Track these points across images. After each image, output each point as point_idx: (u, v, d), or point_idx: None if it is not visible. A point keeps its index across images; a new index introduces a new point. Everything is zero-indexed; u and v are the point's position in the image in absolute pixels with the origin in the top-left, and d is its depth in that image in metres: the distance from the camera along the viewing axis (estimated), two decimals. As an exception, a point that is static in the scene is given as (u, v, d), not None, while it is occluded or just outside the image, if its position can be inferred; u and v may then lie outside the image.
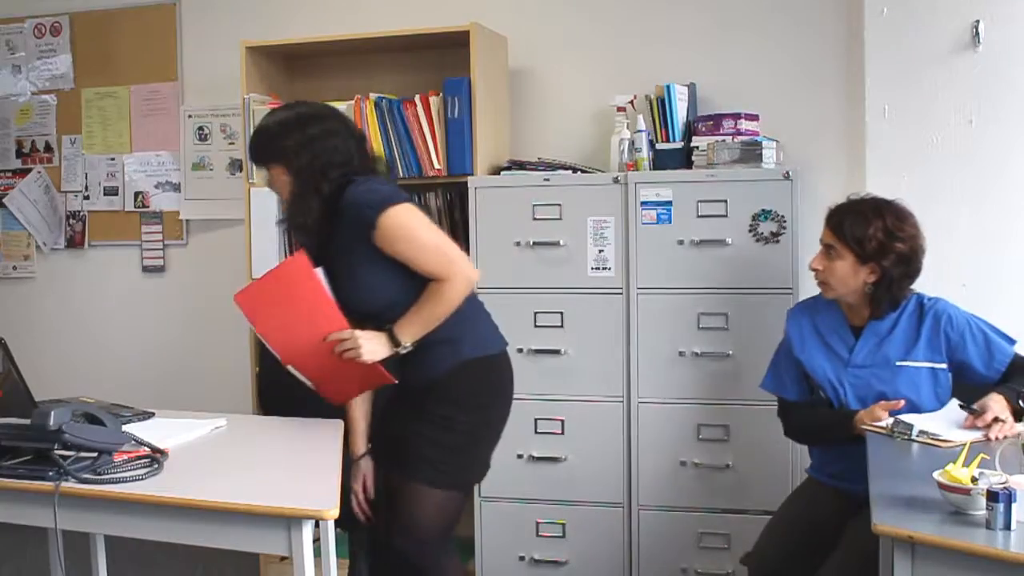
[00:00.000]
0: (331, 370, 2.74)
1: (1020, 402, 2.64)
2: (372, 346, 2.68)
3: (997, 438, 2.51)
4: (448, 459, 2.81)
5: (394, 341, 2.71)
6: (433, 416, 2.81)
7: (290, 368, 2.78)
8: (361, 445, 2.97)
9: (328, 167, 2.75)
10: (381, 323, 2.74)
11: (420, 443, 2.81)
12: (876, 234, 2.79)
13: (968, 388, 2.80)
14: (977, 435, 2.54)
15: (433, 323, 2.73)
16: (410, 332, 2.72)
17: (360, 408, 2.96)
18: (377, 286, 2.76)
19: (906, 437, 2.57)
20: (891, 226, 2.80)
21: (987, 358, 2.81)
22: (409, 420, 2.84)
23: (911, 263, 2.83)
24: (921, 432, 2.56)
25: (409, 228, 2.71)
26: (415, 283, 2.73)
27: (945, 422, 2.64)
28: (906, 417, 2.64)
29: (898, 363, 2.84)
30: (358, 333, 2.67)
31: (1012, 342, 2.85)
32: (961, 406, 2.67)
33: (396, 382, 2.78)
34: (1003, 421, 2.57)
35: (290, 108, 2.91)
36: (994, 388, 2.71)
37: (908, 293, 2.88)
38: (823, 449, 3.02)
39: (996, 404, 2.61)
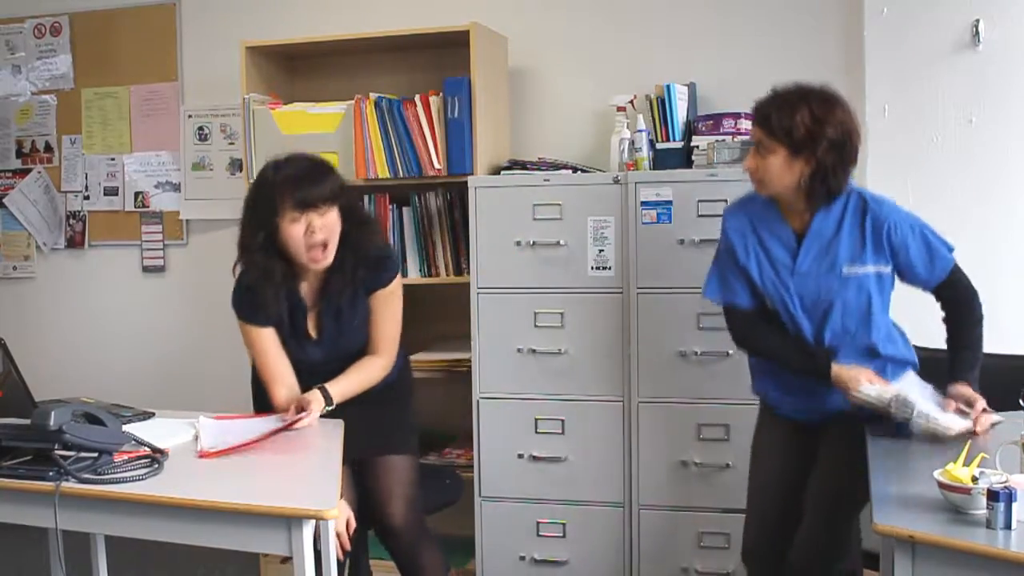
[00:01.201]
0: None
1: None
2: (316, 412, 2.89)
3: (983, 431, 2.53)
4: (413, 429, 3.25)
5: (327, 400, 2.94)
6: (396, 404, 3.18)
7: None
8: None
9: (367, 215, 3.08)
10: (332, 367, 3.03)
11: (393, 423, 3.13)
12: (803, 121, 2.65)
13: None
14: (968, 424, 2.54)
15: (360, 391, 3.02)
16: (341, 395, 2.98)
17: None
18: (364, 334, 3.08)
19: (907, 417, 2.55)
20: (818, 113, 2.66)
21: (929, 265, 2.75)
22: (378, 410, 3.08)
23: (844, 148, 2.68)
24: (920, 414, 2.54)
25: (400, 297, 3.10)
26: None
27: (936, 405, 2.61)
28: (907, 393, 2.60)
29: (845, 270, 2.74)
30: (310, 407, 2.87)
31: (951, 249, 2.78)
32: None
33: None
34: (988, 411, 2.57)
35: (300, 154, 3.04)
36: (961, 374, 2.70)
37: (845, 184, 2.74)
38: (782, 390, 2.93)
39: (979, 404, 2.60)
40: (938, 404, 2.61)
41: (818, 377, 2.75)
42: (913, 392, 2.62)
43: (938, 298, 2.82)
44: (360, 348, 3.09)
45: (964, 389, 2.65)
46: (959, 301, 2.79)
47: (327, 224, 2.87)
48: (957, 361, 2.76)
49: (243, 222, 3.00)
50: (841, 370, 2.71)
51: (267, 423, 2.86)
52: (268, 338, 3.02)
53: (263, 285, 2.94)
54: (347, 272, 2.96)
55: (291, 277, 2.96)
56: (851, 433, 2.72)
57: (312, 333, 3.05)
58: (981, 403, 2.59)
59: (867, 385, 2.64)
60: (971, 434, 2.51)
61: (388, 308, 3.07)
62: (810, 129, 2.65)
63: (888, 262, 2.76)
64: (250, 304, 3.00)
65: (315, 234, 2.85)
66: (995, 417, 2.60)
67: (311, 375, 3.01)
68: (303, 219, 2.84)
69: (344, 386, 2.99)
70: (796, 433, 2.94)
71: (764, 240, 2.83)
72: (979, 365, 2.75)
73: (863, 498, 2.64)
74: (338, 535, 2.78)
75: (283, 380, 3.01)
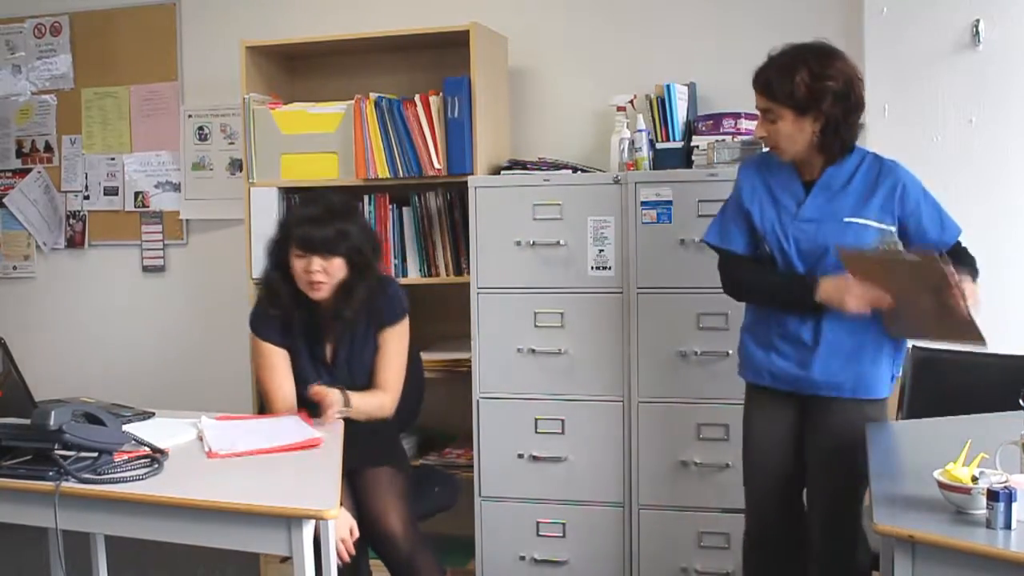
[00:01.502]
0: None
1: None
2: (336, 404, 3.01)
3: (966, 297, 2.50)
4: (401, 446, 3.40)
5: (346, 400, 3.05)
6: (386, 422, 3.24)
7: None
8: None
9: (375, 258, 3.21)
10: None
11: (384, 437, 3.23)
12: (804, 81, 2.67)
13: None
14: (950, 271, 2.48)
15: (368, 412, 3.13)
16: (356, 405, 3.08)
17: None
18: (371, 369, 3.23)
19: (891, 244, 2.58)
20: (816, 69, 2.68)
21: (940, 228, 2.76)
22: (368, 425, 3.13)
23: (849, 98, 2.70)
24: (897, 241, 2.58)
25: (406, 338, 3.25)
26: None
27: None
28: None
29: (847, 219, 2.74)
30: (328, 399, 2.99)
31: (958, 228, 2.79)
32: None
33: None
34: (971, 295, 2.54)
35: (328, 198, 3.28)
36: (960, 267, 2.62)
37: (857, 133, 2.78)
38: (773, 351, 2.90)
39: (968, 281, 2.57)
40: None
41: (805, 301, 2.73)
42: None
43: None
44: (368, 383, 3.22)
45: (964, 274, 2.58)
46: (961, 258, 2.73)
47: (328, 268, 3.08)
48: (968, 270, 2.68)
49: (267, 247, 3.25)
50: (827, 282, 2.70)
51: (273, 425, 2.86)
52: (277, 355, 3.18)
53: (268, 303, 3.18)
54: (357, 303, 3.13)
55: (299, 302, 3.14)
56: (840, 423, 2.77)
57: (328, 358, 3.21)
58: (968, 282, 2.55)
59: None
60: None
61: (394, 346, 3.22)
62: (811, 87, 2.67)
63: (893, 221, 2.74)
64: (265, 321, 3.19)
65: (314, 273, 3.07)
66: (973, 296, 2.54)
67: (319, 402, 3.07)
68: (306, 257, 3.07)
69: (359, 400, 3.10)
70: (785, 408, 2.91)
71: (772, 188, 2.86)
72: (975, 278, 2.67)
73: (863, 484, 2.71)
74: (343, 542, 2.81)
75: (285, 397, 3.15)
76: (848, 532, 2.85)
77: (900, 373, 2.98)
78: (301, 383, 3.14)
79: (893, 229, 2.73)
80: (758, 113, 2.84)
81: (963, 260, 2.73)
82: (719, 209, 3.01)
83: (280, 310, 3.15)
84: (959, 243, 2.80)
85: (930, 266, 2.46)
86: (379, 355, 3.21)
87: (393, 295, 3.23)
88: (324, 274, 3.08)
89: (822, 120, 2.70)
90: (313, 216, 3.11)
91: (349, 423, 3.00)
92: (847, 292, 2.66)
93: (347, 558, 2.85)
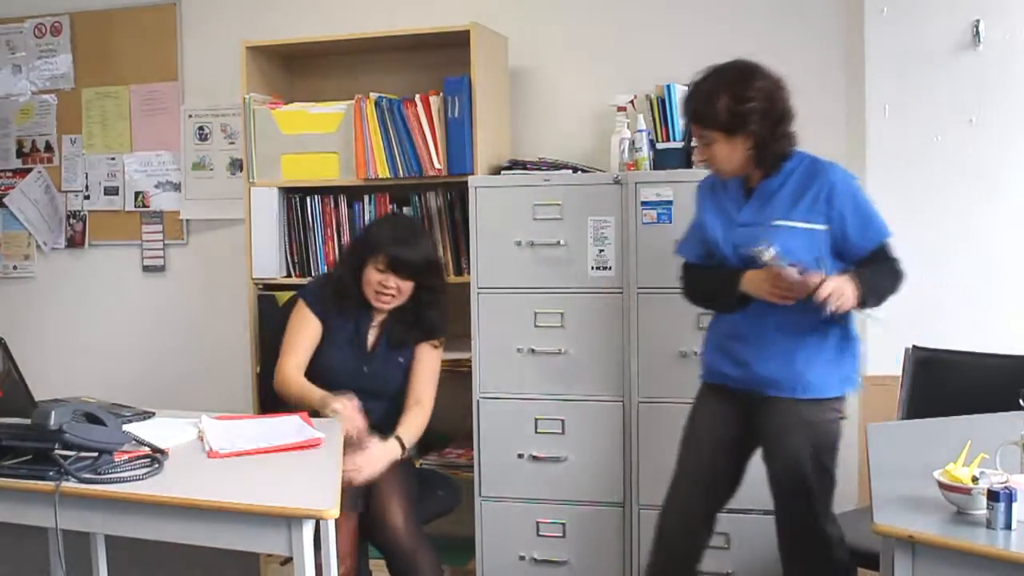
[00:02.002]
0: None
1: (866, 299, 2.75)
2: (378, 457, 3.12)
3: (824, 301, 2.64)
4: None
5: (402, 447, 3.23)
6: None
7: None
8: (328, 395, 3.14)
9: (440, 280, 3.48)
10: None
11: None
12: (726, 106, 2.78)
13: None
14: (809, 277, 2.65)
15: (418, 436, 3.33)
16: (409, 440, 3.27)
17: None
18: (402, 376, 3.40)
19: (768, 252, 2.66)
20: (737, 92, 2.78)
21: (862, 230, 2.83)
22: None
23: (773, 113, 2.81)
24: (778, 253, 2.66)
25: (439, 360, 3.46)
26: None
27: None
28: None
29: (775, 223, 2.84)
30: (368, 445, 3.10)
31: (888, 230, 2.88)
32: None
33: None
34: (844, 296, 2.66)
35: (413, 220, 3.72)
36: (855, 270, 2.78)
37: (791, 143, 2.88)
38: (723, 354, 3.02)
39: (841, 281, 2.68)
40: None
41: (733, 293, 2.87)
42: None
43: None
44: (395, 388, 3.36)
45: (845, 274, 2.72)
46: (876, 263, 2.84)
47: (400, 287, 3.28)
48: (853, 270, 2.79)
49: (350, 243, 3.61)
50: (750, 273, 2.82)
51: (274, 425, 2.86)
52: (312, 323, 3.34)
53: (333, 302, 3.34)
54: (408, 312, 3.35)
55: (361, 303, 3.33)
56: (785, 422, 2.88)
57: (369, 347, 3.35)
58: (841, 283, 2.66)
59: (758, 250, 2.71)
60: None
61: (429, 362, 3.40)
62: (734, 111, 2.78)
63: (823, 222, 2.83)
64: (319, 293, 3.37)
65: (387, 289, 3.27)
66: (846, 290, 2.67)
67: (345, 385, 3.17)
68: (386, 274, 3.25)
69: (407, 432, 3.26)
70: (733, 406, 3.01)
71: (721, 200, 2.99)
72: (872, 287, 2.77)
73: (829, 475, 2.91)
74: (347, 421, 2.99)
75: (299, 354, 3.30)
76: (814, 532, 2.90)
77: (858, 372, 3.03)
78: (335, 366, 3.28)
79: (824, 228, 2.82)
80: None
81: (876, 265, 2.83)
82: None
83: (339, 297, 3.32)
84: (884, 246, 2.87)
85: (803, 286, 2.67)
86: (419, 368, 3.38)
87: (444, 312, 3.43)
88: (396, 292, 3.27)
89: (752, 138, 2.81)
90: (405, 238, 3.28)
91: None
92: (767, 282, 2.78)
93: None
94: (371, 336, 3.36)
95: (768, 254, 2.68)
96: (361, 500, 3.08)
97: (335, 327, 3.34)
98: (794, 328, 2.84)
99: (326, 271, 3.56)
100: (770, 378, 2.90)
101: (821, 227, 2.82)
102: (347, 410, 3.02)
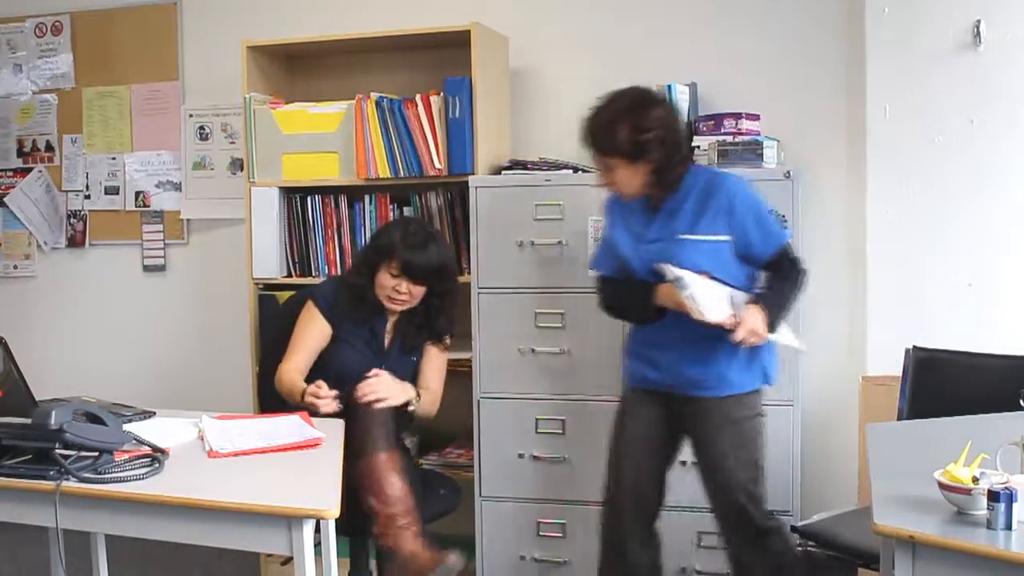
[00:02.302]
0: None
1: (776, 324, 2.92)
2: (391, 388, 3.18)
3: (740, 342, 2.83)
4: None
5: (417, 394, 3.31)
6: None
7: None
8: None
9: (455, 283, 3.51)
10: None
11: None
12: (627, 137, 2.88)
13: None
14: (721, 319, 2.83)
15: (422, 413, 3.35)
16: (423, 400, 3.34)
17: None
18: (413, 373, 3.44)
19: (680, 292, 2.82)
20: (636, 122, 2.88)
21: (764, 238, 2.97)
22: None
23: (671, 139, 2.93)
24: (690, 296, 2.80)
25: (446, 362, 3.51)
26: None
27: (716, 302, 2.86)
28: (691, 278, 2.83)
29: (680, 236, 2.95)
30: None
31: (786, 232, 3.07)
32: (731, 302, 2.90)
33: None
34: (757, 335, 2.84)
35: (424, 224, 3.54)
36: (761, 295, 2.96)
37: (687, 165, 3.01)
38: (647, 363, 3.12)
39: (752, 316, 2.84)
40: (724, 307, 2.87)
41: (648, 305, 2.99)
42: (698, 283, 2.85)
43: (767, 271, 3.03)
44: (411, 377, 3.37)
45: (753, 307, 2.88)
46: (783, 269, 3.00)
47: (412, 291, 3.30)
48: (760, 295, 2.97)
49: (364, 248, 3.57)
50: (663, 286, 2.93)
51: (274, 424, 2.86)
52: (320, 326, 3.36)
53: (350, 306, 3.35)
54: (419, 315, 3.39)
55: (376, 302, 3.34)
56: (716, 418, 3.00)
57: (385, 346, 3.40)
58: (746, 326, 2.82)
59: (671, 268, 2.86)
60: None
61: (437, 358, 3.46)
62: (635, 141, 2.89)
63: (726, 232, 2.94)
64: (332, 298, 3.38)
65: (400, 294, 3.29)
66: (757, 327, 2.84)
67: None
68: (399, 278, 3.27)
69: (426, 398, 3.34)
70: (659, 407, 3.12)
71: (628, 218, 3.08)
72: (780, 308, 2.94)
73: (757, 466, 3.02)
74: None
75: (301, 356, 3.31)
76: (751, 523, 3.00)
77: (775, 367, 3.12)
78: (353, 367, 3.25)
79: (727, 239, 2.94)
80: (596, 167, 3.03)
81: (779, 272, 2.99)
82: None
83: (355, 303, 3.34)
84: (785, 251, 2.99)
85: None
86: (427, 363, 3.44)
87: (454, 314, 3.48)
88: (408, 295, 3.30)
89: (653, 164, 2.92)
90: (418, 243, 3.28)
91: (349, 419, 3.02)
92: (675, 294, 2.87)
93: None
94: (386, 338, 3.41)
95: (671, 275, 2.83)
96: (394, 437, 3.14)
97: (348, 330, 3.36)
98: (712, 330, 2.89)
99: (339, 274, 3.56)
100: (693, 379, 3.01)
101: (724, 238, 2.94)
102: (319, 390, 3.06)
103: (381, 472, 2.99)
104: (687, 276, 2.84)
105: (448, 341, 3.47)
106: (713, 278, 2.91)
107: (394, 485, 2.99)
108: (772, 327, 2.90)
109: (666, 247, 2.96)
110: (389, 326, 3.41)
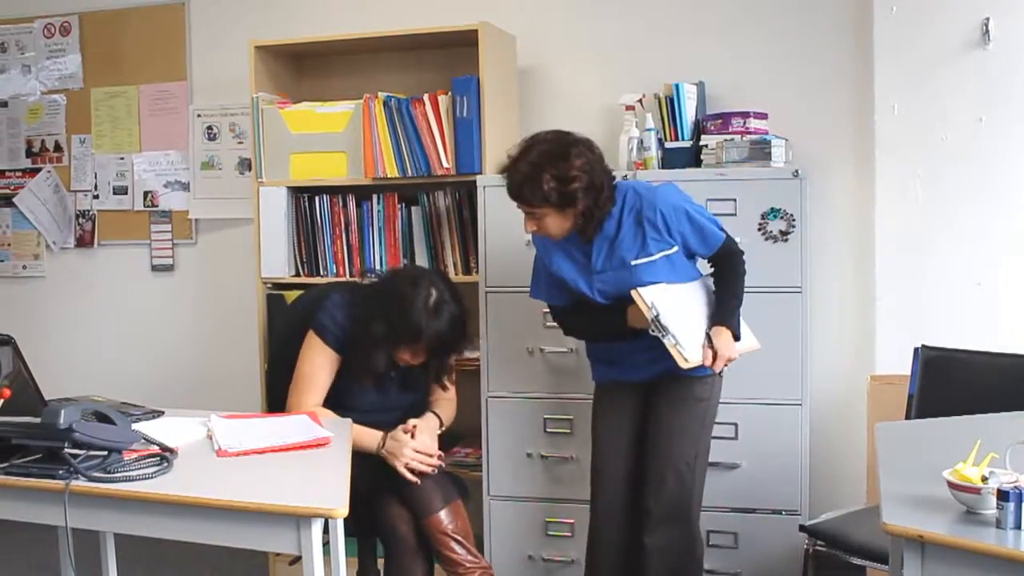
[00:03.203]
0: None
1: (738, 328, 3.03)
2: (427, 431, 3.19)
3: (717, 368, 2.97)
4: None
5: (440, 422, 3.29)
6: None
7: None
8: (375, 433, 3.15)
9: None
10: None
11: None
12: (552, 188, 2.91)
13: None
14: (700, 359, 2.94)
15: (451, 420, 3.36)
16: (446, 420, 3.33)
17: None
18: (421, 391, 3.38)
19: (660, 336, 2.90)
20: (560, 173, 2.91)
21: (702, 241, 3.06)
22: None
23: (595, 185, 2.96)
24: (672, 337, 2.90)
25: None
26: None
27: (694, 338, 2.96)
28: (667, 320, 2.91)
29: (634, 263, 3.01)
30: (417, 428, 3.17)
31: (721, 229, 3.09)
32: (707, 335, 2.99)
33: None
34: (731, 358, 2.98)
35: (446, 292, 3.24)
36: (718, 308, 3.05)
37: (611, 204, 3.03)
38: (606, 361, 3.24)
39: (724, 343, 2.97)
40: (699, 340, 2.97)
41: (619, 327, 3.07)
42: (672, 317, 2.93)
43: (712, 264, 3.14)
44: (414, 397, 3.33)
45: (721, 330, 2.99)
46: (725, 263, 3.10)
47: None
48: (720, 308, 3.05)
49: (384, 317, 3.12)
50: (632, 309, 3.00)
51: (282, 424, 2.86)
52: (329, 358, 3.20)
53: (361, 373, 3.20)
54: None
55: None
56: (677, 396, 3.11)
57: (387, 381, 3.27)
58: (723, 354, 2.95)
59: (640, 297, 2.94)
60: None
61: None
62: (560, 191, 2.92)
63: (673, 244, 3.03)
64: (338, 335, 3.19)
65: (417, 358, 3.18)
66: (731, 353, 2.99)
67: (371, 411, 3.21)
68: (420, 353, 3.16)
69: (442, 412, 3.32)
70: (632, 397, 3.20)
71: (566, 248, 3.11)
72: (736, 310, 3.06)
73: (697, 457, 3.13)
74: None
75: (318, 392, 3.19)
76: (673, 499, 3.10)
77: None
78: (359, 394, 3.22)
79: (674, 248, 3.03)
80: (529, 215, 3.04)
81: (723, 271, 3.09)
82: (533, 269, 3.28)
83: (366, 372, 3.19)
84: (727, 247, 3.08)
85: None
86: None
87: (451, 368, 3.37)
88: (425, 357, 3.20)
89: (579, 208, 2.96)
90: (436, 312, 3.10)
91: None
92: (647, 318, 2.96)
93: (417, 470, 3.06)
94: (390, 374, 3.27)
95: (650, 314, 2.90)
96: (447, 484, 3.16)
97: (352, 362, 3.21)
98: None
99: (346, 304, 3.22)
100: (659, 371, 3.09)
101: (672, 249, 3.03)
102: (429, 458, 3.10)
103: (444, 536, 3.05)
104: (661, 311, 2.91)
105: (448, 383, 3.36)
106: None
107: (456, 550, 3.05)
108: (737, 336, 3.01)
109: (621, 275, 3.03)
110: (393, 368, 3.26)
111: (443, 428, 3.28)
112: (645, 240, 3.01)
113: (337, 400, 3.21)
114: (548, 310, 3.36)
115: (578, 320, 3.21)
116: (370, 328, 3.11)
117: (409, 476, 3.04)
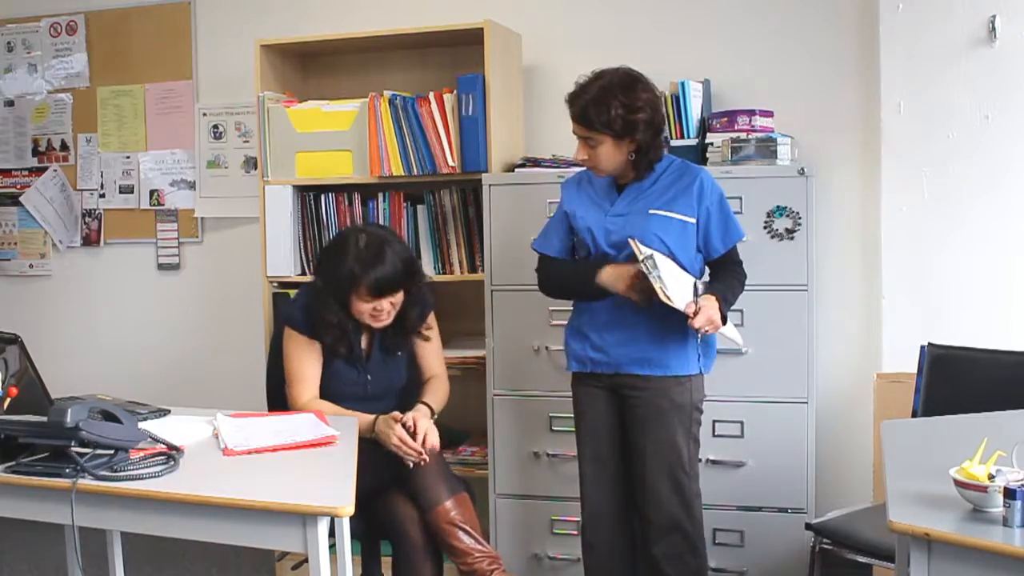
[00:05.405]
0: None
1: (727, 313, 2.99)
2: (425, 421, 3.14)
3: (698, 329, 2.89)
4: None
5: (431, 411, 3.26)
6: None
7: None
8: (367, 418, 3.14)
9: (422, 283, 3.30)
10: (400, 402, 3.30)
11: None
12: (619, 113, 2.94)
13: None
14: (683, 306, 2.87)
15: (443, 405, 3.37)
16: (437, 407, 3.31)
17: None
18: (406, 370, 3.38)
19: (648, 273, 2.83)
20: (627, 101, 2.95)
21: (723, 231, 3.07)
22: None
23: (654, 122, 3.00)
24: (659, 278, 2.83)
25: (436, 327, 3.41)
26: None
27: (680, 288, 2.90)
28: (660, 259, 2.88)
29: (651, 211, 3.03)
30: (417, 419, 3.12)
31: (742, 232, 3.13)
32: (695, 291, 2.95)
33: None
34: (713, 323, 2.91)
35: (375, 234, 3.21)
36: (716, 286, 3.02)
37: (663, 150, 3.08)
38: (580, 333, 3.18)
39: (711, 305, 2.90)
40: (687, 293, 2.92)
41: (590, 284, 3.05)
42: (666, 264, 2.91)
43: (713, 269, 3.12)
44: (400, 384, 3.34)
45: (711, 296, 2.95)
46: (727, 269, 3.10)
47: (393, 302, 3.16)
48: (715, 286, 3.04)
49: (323, 276, 3.20)
50: (608, 268, 3.03)
51: (288, 422, 2.87)
52: (308, 346, 3.22)
53: (331, 341, 3.19)
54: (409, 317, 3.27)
55: (350, 323, 3.20)
56: (654, 405, 3.07)
57: (365, 353, 3.28)
58: (704, 313, 2.87)
59: (640, 245, 2.90)
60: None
61: (428, 344, 3.37)
62: (625, 118, 2.95)
63: (694, 215, 3.04)
64: (305, 319, 3.21)
65: (380, 311, 3.14)
66: (714, 316, 2.90)
67: (359, 400, 3.23)
68: (375, 300, 3.11)
69: (432, 399, 3.31)
70: (607, 390, 3.17)
71: (591, 195, 3.15)
72: (730, 303, 3.03)
73: (690, 460, 3.12)
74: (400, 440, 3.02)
75: (309, 382, 3.22)
76: (675, 500, 3.10)
77: (711, 356, 3.20)
78: (338, 379, 3.24)
79: (693, 221, 3.03)
80: (578, 138, 3.05)
81: (722, 270, 3.08)
82: (544, 226, 3.29)
83: (330, 328, 3.17)
84: (736, 254, 3.11)
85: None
86: (422, 351, 3.37)
87: (425, 298, 3.31)
88: (390, 308, 3.16)
89: (636, 144, 3.00)
90: (375, 258, 3.09)
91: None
92: (621, 279, 2.99)
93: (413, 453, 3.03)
94: (363, 343, 3.28)
95: (641, 254, 2.85)
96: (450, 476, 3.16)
97: (323, 337, 3.22)
98: (657, 311, 2.95)
99: (306, 292, 3.26)
100: (637, 358, 3.07)
101: (692, 220, 3.03)
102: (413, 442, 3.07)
103: (451, 526, 3.04)
104: (657, 257, 2.88)
105: (427, 329, 3.34)
106: (676, 261, 2.99)
107: (463, 539, 3.04)
108: (724, 319, 2.97)
109: (634, 220, 3.03)
110: (364, 336, 3.27)
111: (435, 416, 3.26)
112: (671, 196, 3.04)
113: (330, 388, 3.24)
114: (540, 271, 3.29)
115: (560, 266, 3.21)
116: (317, 292, 3.18)
117: (405, 457, 3.04)
